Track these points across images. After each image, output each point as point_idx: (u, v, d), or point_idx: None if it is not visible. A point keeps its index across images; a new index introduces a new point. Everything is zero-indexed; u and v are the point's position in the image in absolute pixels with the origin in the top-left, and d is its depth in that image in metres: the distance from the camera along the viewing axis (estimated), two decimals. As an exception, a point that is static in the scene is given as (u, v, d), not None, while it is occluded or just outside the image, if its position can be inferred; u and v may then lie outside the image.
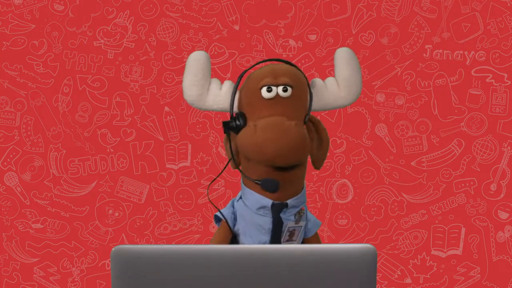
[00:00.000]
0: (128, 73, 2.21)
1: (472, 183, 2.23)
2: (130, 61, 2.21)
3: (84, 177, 2.22)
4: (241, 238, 1.58)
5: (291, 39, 2.22)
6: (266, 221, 1.53)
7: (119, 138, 2.22)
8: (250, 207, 1.54)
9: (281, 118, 1.46)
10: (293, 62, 1.58)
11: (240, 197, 1.59)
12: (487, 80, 2.21)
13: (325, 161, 1.60)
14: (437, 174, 2.22)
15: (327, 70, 2.16)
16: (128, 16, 2.20)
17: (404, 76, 2.22)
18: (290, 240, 1.57)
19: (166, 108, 2.22)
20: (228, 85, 1.56)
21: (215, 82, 1.56)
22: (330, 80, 1.60)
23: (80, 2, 2.20)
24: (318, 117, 1.59)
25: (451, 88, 2.22)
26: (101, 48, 2.21)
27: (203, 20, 2.21)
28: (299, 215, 1.56)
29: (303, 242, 1.63)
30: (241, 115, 1.52)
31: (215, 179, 1.63)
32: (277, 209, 1.52)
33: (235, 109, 1.55)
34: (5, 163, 2.22)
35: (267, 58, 1.58)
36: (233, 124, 1.52)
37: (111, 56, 2.21)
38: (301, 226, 1.58)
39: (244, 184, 1.57)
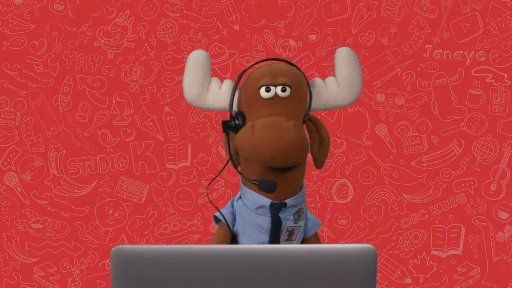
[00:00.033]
0: (128, 73, 2.21)
1: (472, 183, 2.23)
2: (130, 61, 2.21)
3: (84, 177, 2.22)
4: (240, 237, 1.58)
5: (291, 39, 2.22)
6: (265, 221, 1.53)
7: (119, 138, 2.22)
8: (249, 206, 1.54)
9: (279, 119, 1.46)
10: (293, 62, 1.58)
11: (240, 197, 1.59)
12: (487, 80, 2.21)
13: (326, 160, 1.60)
14: (437, 174, 2.22)
15: (327, 70, 2.16)
16: (128, 16, 2.20)
17: (404, 76, 2.22)
18: (289, 239, 1.57)
19: (166, 108, 2.22)
20: (228, 84, 1.55)
21: (215, 81, 1.56)
22: (330, 79, 1.59)
23: (80, 2, 2.20)
24: (318, 117, 1.59)
25: (451, 88, 2.22)
26: (101, 48, 2.21)
27: (203, 20, 2.21)
28: (298, 214, 1.56)
29: (302, 242, 1.63)
30: (241, 115, 1.52)
31: (214, 178, 1.63)
32: (275, 209, 1.52)
33: (235, 108, 1.54)
34: (5, 163, 2.22)
35: (267, 58, 1.57)
36: (232, 124, 1.52)
37: (111, 56, 2.21)
38: (300, 226, 1.58)
39: (243, 184, 1.56)
